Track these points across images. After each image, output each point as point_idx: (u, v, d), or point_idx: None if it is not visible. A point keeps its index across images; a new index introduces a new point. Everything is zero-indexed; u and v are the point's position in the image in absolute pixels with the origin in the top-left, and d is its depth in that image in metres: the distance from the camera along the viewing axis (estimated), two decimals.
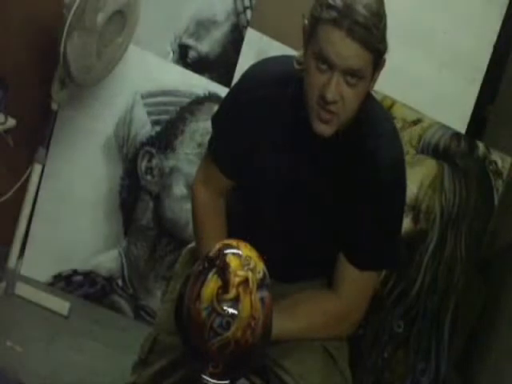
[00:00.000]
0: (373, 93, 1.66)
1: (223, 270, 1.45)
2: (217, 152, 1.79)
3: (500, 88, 2.72)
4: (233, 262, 1.46)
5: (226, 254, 1.48)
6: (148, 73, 2.63)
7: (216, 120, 1.80)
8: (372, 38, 1.47)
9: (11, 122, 2.45)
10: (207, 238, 1.75)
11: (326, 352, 1.76)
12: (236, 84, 1.79)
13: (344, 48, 1.47)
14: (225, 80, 2.62)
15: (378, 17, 1.48)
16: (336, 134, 1.59)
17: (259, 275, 1.48)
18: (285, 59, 1.72)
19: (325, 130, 1.56)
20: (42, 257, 2.73)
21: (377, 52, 1.50)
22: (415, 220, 2.59)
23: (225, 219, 1.82)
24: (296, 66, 1.61)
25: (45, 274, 2.74)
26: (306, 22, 1.53)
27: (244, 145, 1.71)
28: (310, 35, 1.52)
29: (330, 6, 1.47)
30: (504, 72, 2.70)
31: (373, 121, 1.65)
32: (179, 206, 2.69)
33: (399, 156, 1.68)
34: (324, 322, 1.71)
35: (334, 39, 1.47)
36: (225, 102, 1.80)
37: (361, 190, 1.62)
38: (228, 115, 1.76)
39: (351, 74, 1.49)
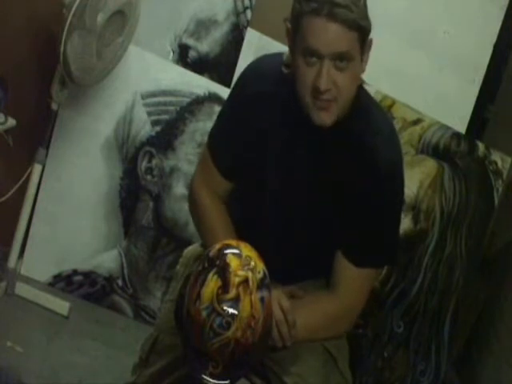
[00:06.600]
0: (372, 92, 1.66)
1: (223, 270, 1.45)
2: (216, 149, 1.78)
3: (500, 88, 2.72)
4: (233, 262, 1.46)
5: (226, 254, 1.48)
6: (148, 73, 2.63)
7: (218, 117, 1.82)
8: (353, 16, 1.48)
9: (11, 122, 2.44)
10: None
11: (326, 352, 1.76)
12: (236, 81, 1.79)
13: (327, 33, 1.49)
14: (225, 80, 2.62)
15: None
16: (335, 135, 1.59)
17: (259, 275, 1.48)
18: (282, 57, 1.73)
19: (325, 118, 1.56)
20: (42, 257, 2.73)
21: (361, 29, 1.51)
22: (415, 220, 2.59)
23: (230, 221, 1.80)
24: (284, 71, 1.63)
25: (45, 274, 2.74)
26: (289, 24, 1.56)
27: (243, 143, 1.71)
28: (295, 33, 1.54)
29: None
30: (504, 72, 2.70)
31: (371, 120, 1.65)
32: (179, 206, 2.69)
33: (397, 155, 1.69)
34: (324, 323, 1.71)
35: (316, 27, 1.49)
36: (226, 102, 1.83)
37: (359, 188, 1.62)
38: (230, 111, 1.77)
39: (340, 58, 1.50)
